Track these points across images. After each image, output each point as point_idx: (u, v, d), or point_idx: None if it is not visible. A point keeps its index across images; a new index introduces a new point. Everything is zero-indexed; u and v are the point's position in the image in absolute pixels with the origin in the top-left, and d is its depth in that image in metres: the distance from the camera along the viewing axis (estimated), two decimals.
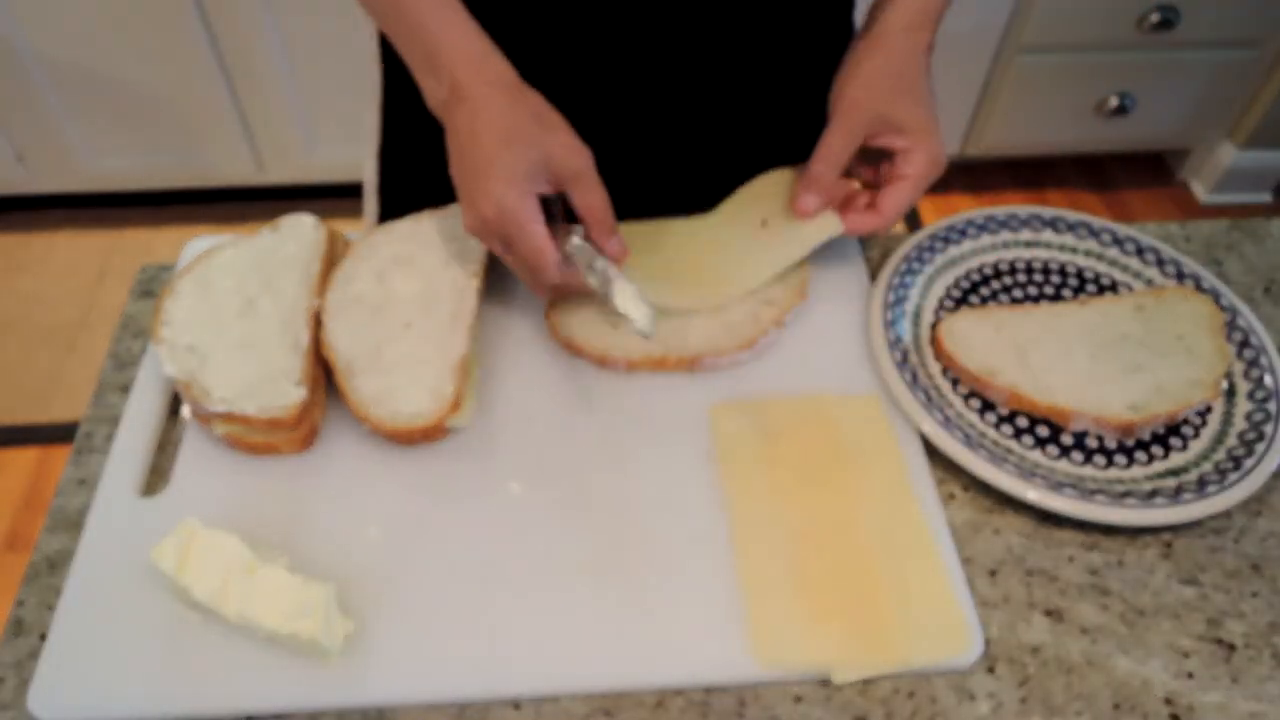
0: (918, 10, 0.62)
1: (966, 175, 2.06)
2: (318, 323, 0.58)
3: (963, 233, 0.68)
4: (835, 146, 0.61)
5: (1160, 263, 0.67)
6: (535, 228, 0.54)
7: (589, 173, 0.56)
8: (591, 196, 0.56)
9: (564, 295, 0.61)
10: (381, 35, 0.73)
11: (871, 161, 0.64)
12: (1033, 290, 0.67)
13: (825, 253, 0.67)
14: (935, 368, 0.62)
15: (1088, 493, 0.54)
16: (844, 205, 0.64)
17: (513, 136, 0.54)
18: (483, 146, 0.54)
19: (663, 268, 0.64)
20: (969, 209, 0.69)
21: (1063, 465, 0.57)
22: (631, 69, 0.69)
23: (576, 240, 0.57)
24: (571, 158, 0.55)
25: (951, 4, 0.63)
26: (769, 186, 0.67)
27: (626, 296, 0.54)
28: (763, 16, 0.68)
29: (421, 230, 0.63)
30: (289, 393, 0.54)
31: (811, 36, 0.72)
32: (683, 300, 0.62)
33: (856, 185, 0.65)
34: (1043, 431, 0.59)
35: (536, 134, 0.55)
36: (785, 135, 0.76)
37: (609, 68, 0.68)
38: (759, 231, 0.65)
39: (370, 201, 0.82)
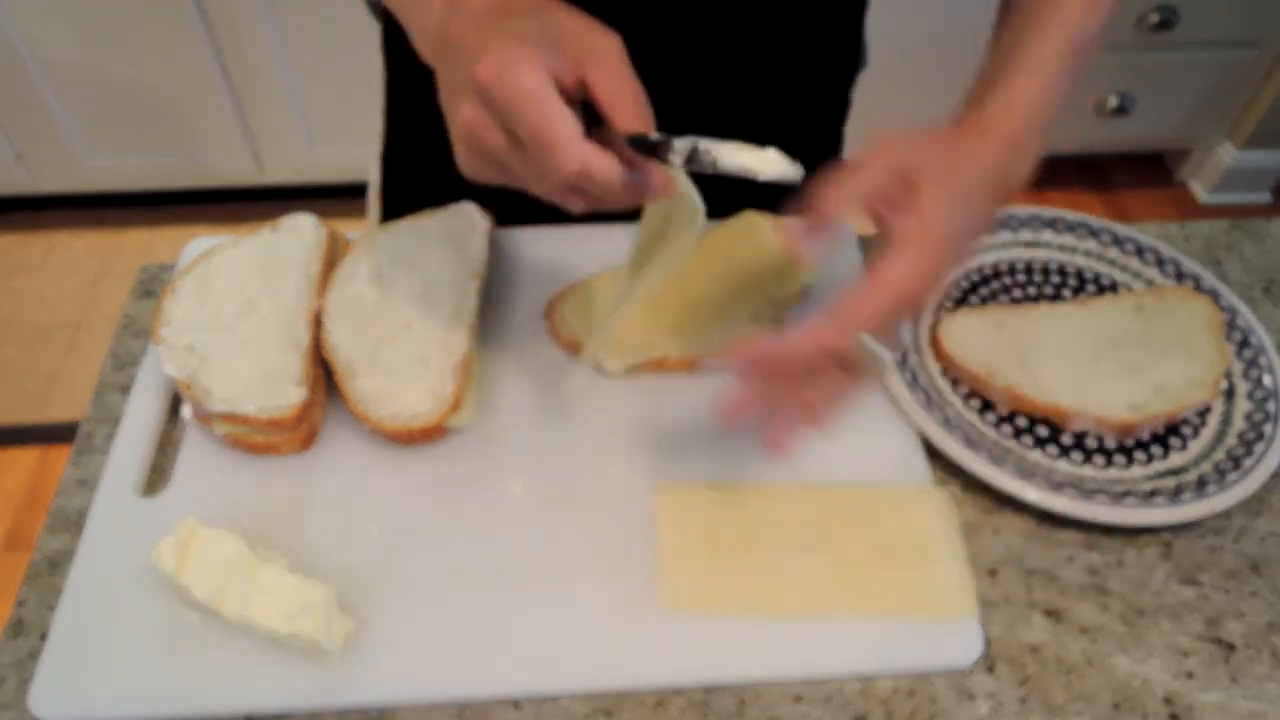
0: (1008, 126, 0.49)
1: None
2: (318, 323, 0.58)
3: None
4: (853, 175, 0.47)
5: (1160, 263, 0.67)
6: (543, 90, 0.40)
7: (615, 52, 0.42)
8: (618, 78, 0.42)
9: (596, 203, 0.44)
10: (385, 40, 0.73)
11: None
12: (1033, 290, 0.67)
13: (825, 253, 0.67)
14: (935, 368, 0.62)
15: (1087, 493, 0.54)
16: None
17: (516, 9, 0.43)
18: (474, 24, 0.43)
19: (662, 312, 0.62)
20: None
21: (1062, 465, 0.57)
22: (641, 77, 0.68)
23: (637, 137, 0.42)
24: (597, 33, 0.42)
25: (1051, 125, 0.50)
26: (745, 227, 0.67)
27: (737, 150, 0.41)
28: (770, 29, 0.68)
29: (421, 230, 0.63)
30: (289, 393, 0.54)
31: (818, 48, 0.71)
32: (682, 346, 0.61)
33: None
34: (1042, 431, 0.59)
35: (548, 8, 0.43)
36: (789, 144, 0.76)
37: None
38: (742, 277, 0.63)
39: (373, 205, 0.82)
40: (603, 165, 0.41)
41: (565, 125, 0.40)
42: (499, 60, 0.40)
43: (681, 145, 0.42)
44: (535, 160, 0.41)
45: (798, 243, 0.48)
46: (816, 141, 0.78)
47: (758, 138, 0.67)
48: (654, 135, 0.42)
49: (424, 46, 0.48)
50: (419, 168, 0.76)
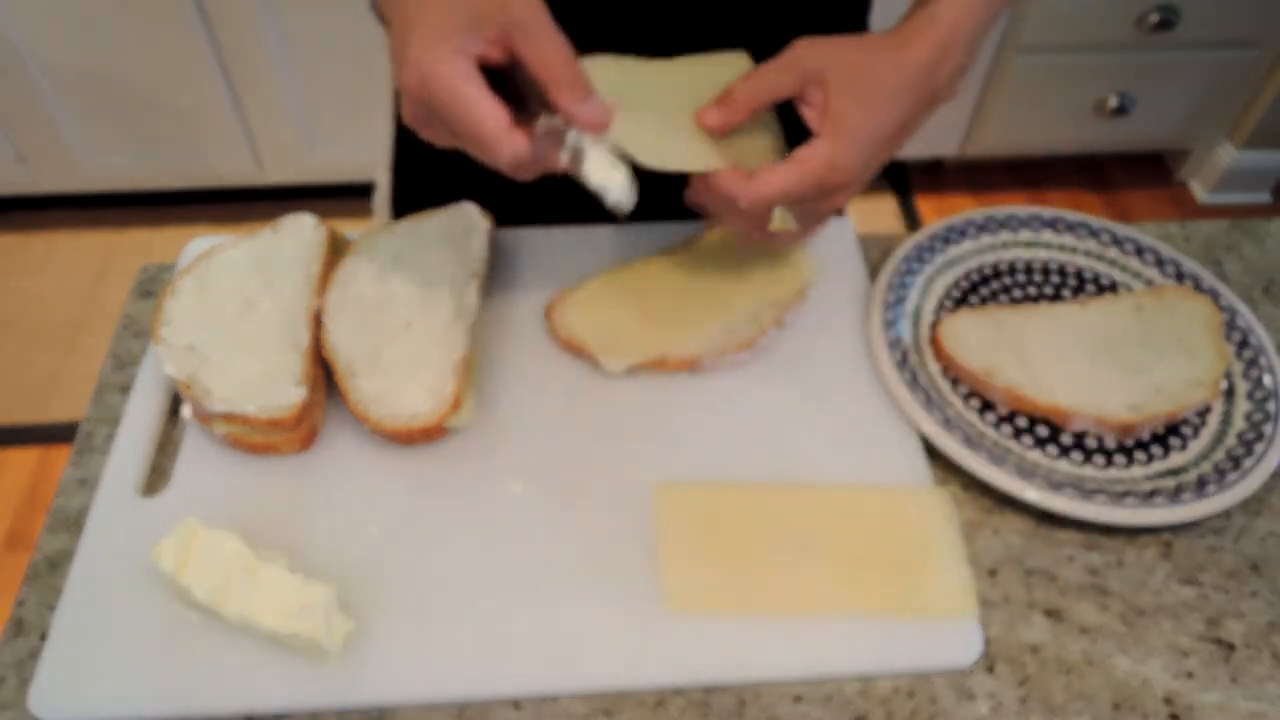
0: (932, 30, 0.54)
1: (966, 175, 2.06)
2: (318, 323, 0.58)
3: (963, 233, 0.68)
4: (764, 75, 0.54)
5: (1160, 263, 0.67)
6: (467, 89, 0.43)
7: (539, 19, 0.45)
8: (545, 48, 0.45)
9: (542, 171, 0.49)
10: None
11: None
12: (1033, 290, 0.67)
13: (825, 253, 0.67)
14: (935, 368, 0.62)
15: (1087, 493, 0.54)
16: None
17: None
18: (409, 8, 0.45)
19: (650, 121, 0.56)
20: (969, 209, 0.69)
21: (1062, 465, 0.57)
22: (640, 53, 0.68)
23: (546, 118, 0.46)
24: (519, 4, 0.45)
25: (979, 33, 0.55)
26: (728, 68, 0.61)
27: (598, 166, 0.46)
28: (777, 22, 0.68)
29: (421, 230, 0.63)
30: (289, 393, 0.54)
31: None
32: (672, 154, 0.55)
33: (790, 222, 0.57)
34: (1042, 431, 0.59)
35: None
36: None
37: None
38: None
39: (382, 209, 0.82)
40: (530, 157, 0.45)
41: (492, 121, 0.44)
42: (419, 65, 0.43)
43: (570, 142, 0.46)
44: (474, 150, 0.45)
45: (707, 118, 0.55)
46: None
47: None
48: (556, 122, 0.46)
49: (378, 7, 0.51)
50: (431, 173, 0.76)
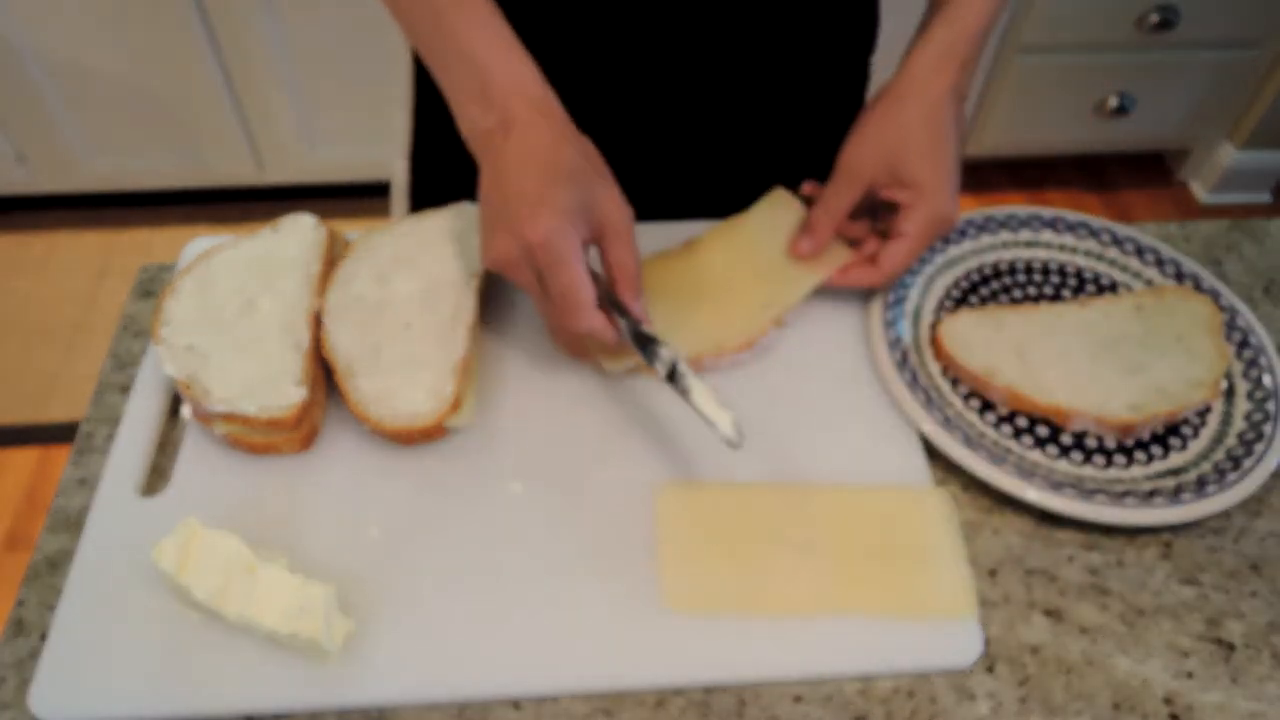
0: (941, 53, 0.60)
1: (966, 175, 2.04)
2: (318, 323, 0.58)
3: (963, 233, 0.68)
4: (834, 196, 0.62)
5: (1160, 263, 0.67)
6: (577, 265, 0.52)
7: (628, 230, 0.55)
8: (627, 254, 0.54)
9: (584, 350, 0.59)
10: None
11: (888, 213, 0.63)
12: (1033, 290, 0.67)
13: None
14: (935, 368, 0.62)
15: (1087, 492, 0.54)
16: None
17: (565, 173, 0.53)
18: (531, 175, 0.53)
19: (686, 303, 0.62)
20: (969, 209, 0.69)
21: (1062, 465, 0.57)
22: (651, 72, 0.68)
23: (621, 320, 0.55)
24: (616, 210, 0.54)
25: (982, 49, 0.62)
26: (781, 211, 0.66)
27: (705, 399, 0.51)
28: (784, 24, 0.68)
29: (421, 230, 0.63)
30: (289, 393, 0.54)
31: (834, 20, 0.71)
32: (712, 337, 0.61)
33: (849, 254, 0.63)
34: (1042, 431, 0.59)
35: (588, 177, 0.54)
36: (800, 142, 0.76)
37: (628, 72, 0.68)
38: (785, 256, 0.64)
39: (400, 203, 0.82)
40: (605, 332, 0.54)
41: (587, 294, 0.52)
42: (547, 230, 0.51)
43: (666, 355, 0.53)
44: (555, 308, 0.53)
45: (797, 248, 0.63)
46: (840, 112, 0.78)
47: (784, 111, 0.68)
48: (647, 331, 0.54)
49: (465, 131, 0.56)
50: (449, 168, 0.76)
